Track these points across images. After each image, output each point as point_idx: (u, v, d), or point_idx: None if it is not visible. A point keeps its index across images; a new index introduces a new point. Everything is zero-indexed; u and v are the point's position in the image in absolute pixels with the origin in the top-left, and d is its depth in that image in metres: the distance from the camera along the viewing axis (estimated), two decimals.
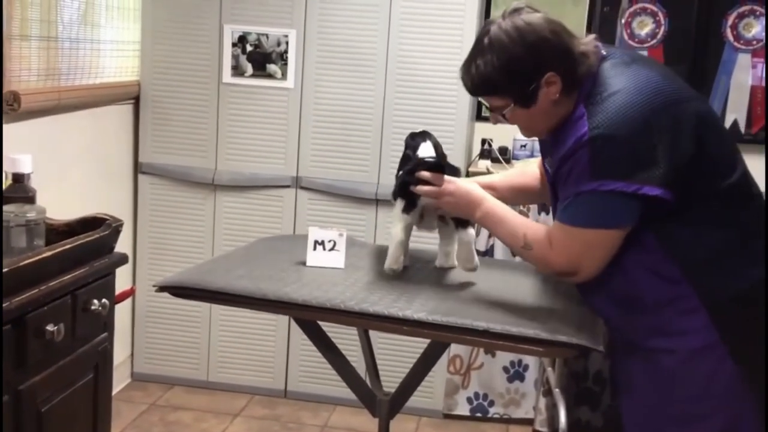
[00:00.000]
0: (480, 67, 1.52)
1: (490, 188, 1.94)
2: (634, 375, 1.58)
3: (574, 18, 3.22)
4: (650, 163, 1.43)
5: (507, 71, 1.51)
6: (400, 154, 1.93)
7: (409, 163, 1.74)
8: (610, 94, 1.46)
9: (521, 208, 3.01)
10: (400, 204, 1.73)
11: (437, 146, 1.87)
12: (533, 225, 1.62)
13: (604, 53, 1.55)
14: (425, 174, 1.66)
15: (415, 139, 1.88)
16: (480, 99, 1.64)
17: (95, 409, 1.87)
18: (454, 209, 1.68)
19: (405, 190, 1.70)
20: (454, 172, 1.72)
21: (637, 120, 1.43)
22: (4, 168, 1.81)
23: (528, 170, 1.93)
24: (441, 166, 1.68)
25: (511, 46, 1.49)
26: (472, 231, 1.73)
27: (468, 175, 3.04)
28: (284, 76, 3.04)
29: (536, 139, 3.35)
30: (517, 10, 1.54)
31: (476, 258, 1.75)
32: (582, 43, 1.53)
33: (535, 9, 1.55)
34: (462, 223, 1.73)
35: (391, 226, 1.76)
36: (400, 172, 1.77)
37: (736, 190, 1.52)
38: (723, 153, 1.53)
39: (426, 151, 1.83)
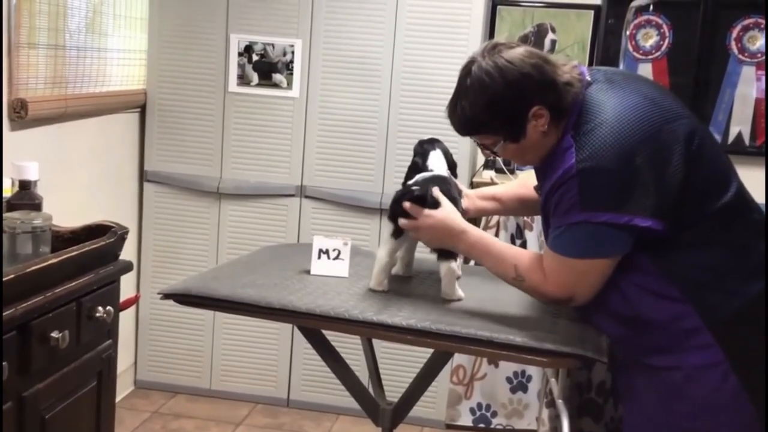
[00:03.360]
0: (465, 108, 1.53)
1: (493, 199, 1.94)
2: (636, 388, 1.58)
3: (579, 30, 3.23)
4: (640, 194, 1.42)
5: (492, 111, 1.51)
6: (405, 164, 1.93)
7: (399, 191, 1.71)
8: (596, 125, 1.46)
9: (524, 218, 3.02)
10: (388, 228, 1.72)
11: (447, 153, 1.87)
12: (523, 255, 1.60)
13: (589, 78, 1.54)
14: (405, 204, 1.65)
15: (423, 147, 1.87)
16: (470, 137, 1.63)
17: (98, 416, 1.87)
18: (436, 243, 1.67)
19: (394, 216, 1.69)
20: (433, 205, 1.65)
21: (625, 151, 1.43)
22: (11, 175, 1.82)
23: (530, 182, 1.93)
24: (423, 198, 1.65)
25: (493, 86, 1.49)
26: (454, 264, 1.69)
27: (472, 185, 3.04)
28: (290, 85, 3.05)
29: None
30: (495, 47, 1.52)
31: (458, 290, 1.71)
32: (565, 71, 1.52)
33: (514, 44, 1.54)
34: (444, 254, 1.69)
35: (378, 248, 1.75)
36: (395, 196, 1.73)
37: (731, 209, 1.50)
38: (715, 171, 1.52)
39: (435, 161, 1.82)
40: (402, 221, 1.66)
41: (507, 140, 1.55)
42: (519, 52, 1.51)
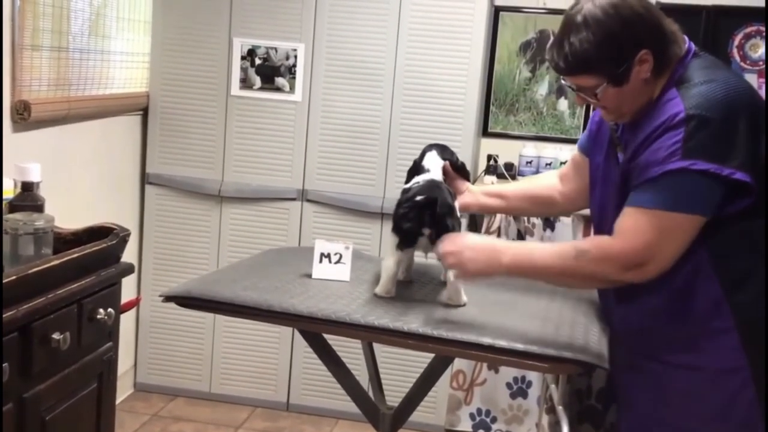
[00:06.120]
0: (575, 44, 1.49)
1: (499, 197, 1.93)
2: (643, 389, 1.57)
3: None
4: (744, 151, 1.42)
5: (604, 48, 1.48)
6: (407, 169, 1.95)
7: (403, 204, 1.70)
8: (705, 81, 1.47)
9: (525, 223, 3.02)
10: (394, 239, 1.70)
11: (452, 156, 1.90)
12: (577, 240, 1.57)
13: (695, 49, 1.56)
14: (441, 246, 1.57)
15: (424, 148, 1.91)
16: (566, 81, 1.57)
17: (98, 418, 1.86)
18: (476, 264, 1.53)
19: (400, 227, 1.69)
20: (443, 207, 1.66)
21: (735, 108, 1.43)
22: (14, 176, 1.82)
23: (542, 180, 1.92)
24: (429, 204, 1.65)
25: (609, 22, 1.47)
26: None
27: None
28: (292, 89, 3.06)
29: (541, 155, 3.37)
30: None
31: (464, 296, 1.70)
32: (671, 22, 1.54)
33: None
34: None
35: (384, 257, 1.75)
36: (397, 209, 1.72)
37: None
38: None
39: (430, 160, 1.86)
40: (445, 259, 1.57)
41: (610, 83, 1.51)
42: None
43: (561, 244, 1.57)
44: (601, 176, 1.66)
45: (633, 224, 1.45)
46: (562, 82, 1.60)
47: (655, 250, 1.44)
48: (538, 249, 1.57)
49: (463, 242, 1.55)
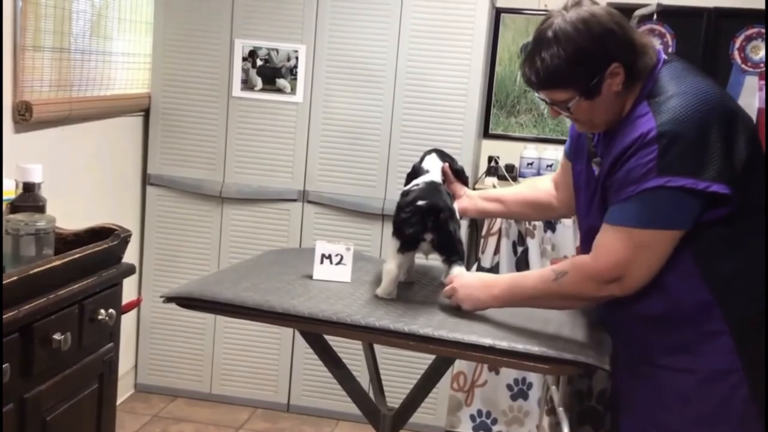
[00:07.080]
0: (546, 60, 1.50)
1: (497, 201, 1.94)
2: (641, 393, 1.58)
3: None
4: (718, 162, 1.42)
5: (575, 63, 1.49)
6: (407, 170, 1.95)
7: (405, 209, 1.71)
8: (675, 94, 1.47)
9: (526, 225, 3.02)
10: (395, 243, 1.72)
11: (452, 161, 1.92)
12: (555, 264, 1.61)
13: (665, 57, 1.57)
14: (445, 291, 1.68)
15: (424, 152, 1.92)
16: (539, 94, 1.59)
17: (99, 419, 1.87)
18: (471, 299, 1.65)
19: (402, 232, 1.70)
20: (445, 210, 1.70)
21: (706, 119, 1.44)
22: (16, 177, 1.83)
23: (540, 185, 1.92)
24: (432, 209, 1.67)
25: (579, 37, 1.48)
26: (461, 268, 1.72)
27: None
28: (293, 90, 3.06)
29: (542, 157, 3.37)
30: (578, 2, 1.53)
31: None
32: (642, 35, 1.55)
33: (594, 1, 1.55)
34: (453, 259, 1.72)
35: (386, 261, 1.76)
36: (398, 213, 1.74)
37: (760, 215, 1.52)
38: (764, 172, 1.53)
39: (429, 162, 1.88)
40: (445, 293, 1.68)
41: (582, 96, 1.52)
42: (602, 8, 1.53)
43: (542, 269, 1.64)
44: (584, 182, 1.67)
45: (608, 241, 1.49)
46: (536, 95, 1.62)
47: (628, 266, 1.48)
48: (524, 277, 1.65)
49: (457, 283, 1.66)
